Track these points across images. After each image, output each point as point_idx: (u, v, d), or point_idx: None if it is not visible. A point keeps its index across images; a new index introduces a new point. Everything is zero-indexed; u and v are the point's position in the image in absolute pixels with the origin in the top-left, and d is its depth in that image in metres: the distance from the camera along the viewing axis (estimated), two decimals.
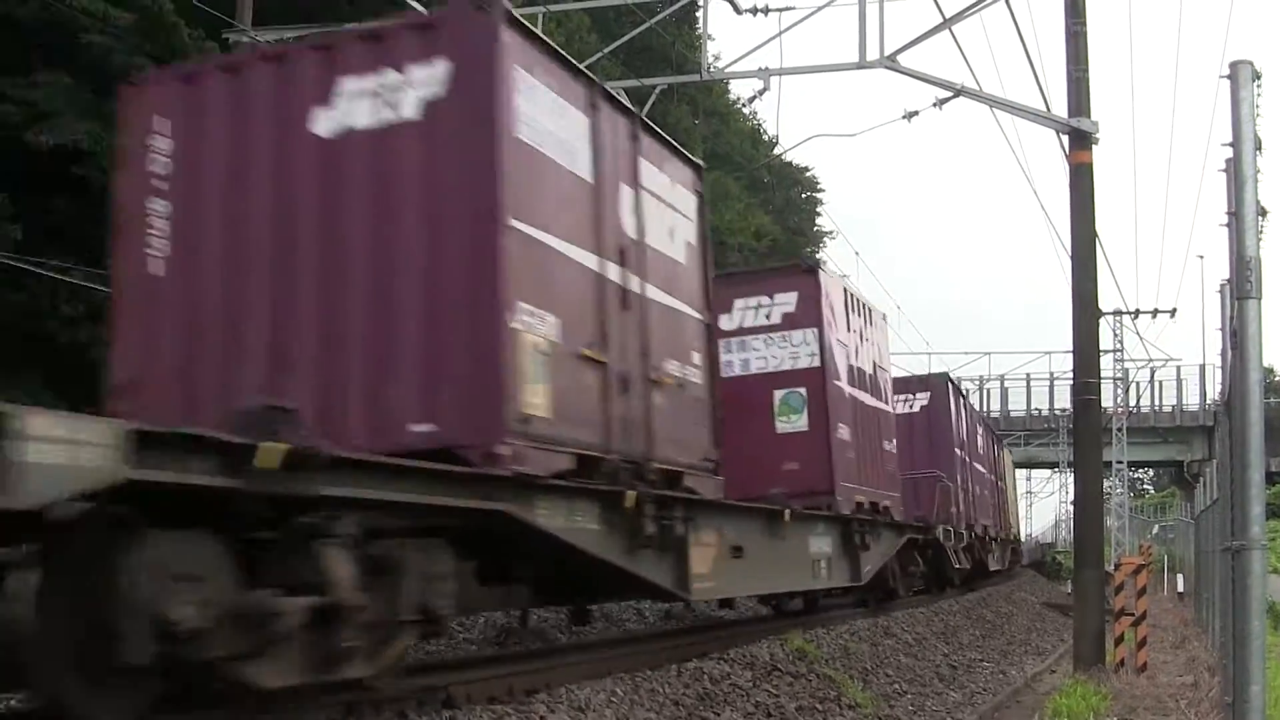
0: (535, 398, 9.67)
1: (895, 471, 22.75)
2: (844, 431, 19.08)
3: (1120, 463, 53.34)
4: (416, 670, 10.88)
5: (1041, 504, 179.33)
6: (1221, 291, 10.71)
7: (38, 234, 20.29)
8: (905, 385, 29.77)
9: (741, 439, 15.89)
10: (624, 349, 11.17)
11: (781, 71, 20.92)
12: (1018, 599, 33.09)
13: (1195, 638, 22.44)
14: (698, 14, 28.07)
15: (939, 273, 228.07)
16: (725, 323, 17.56)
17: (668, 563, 11.75)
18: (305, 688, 7.50)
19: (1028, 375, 67.31)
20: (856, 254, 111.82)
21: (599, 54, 22.89)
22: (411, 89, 9.82)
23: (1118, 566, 19.89)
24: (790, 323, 18.74)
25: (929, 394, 30.71)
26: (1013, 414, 66.80)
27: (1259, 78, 7.40)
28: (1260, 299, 6.98)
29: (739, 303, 18.70)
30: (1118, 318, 46.43)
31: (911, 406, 29.62)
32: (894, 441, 23.10)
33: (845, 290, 20.92)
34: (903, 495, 23.07)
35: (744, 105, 53.23)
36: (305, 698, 7.67)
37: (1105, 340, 39.74)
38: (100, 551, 6.39)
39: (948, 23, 19.37)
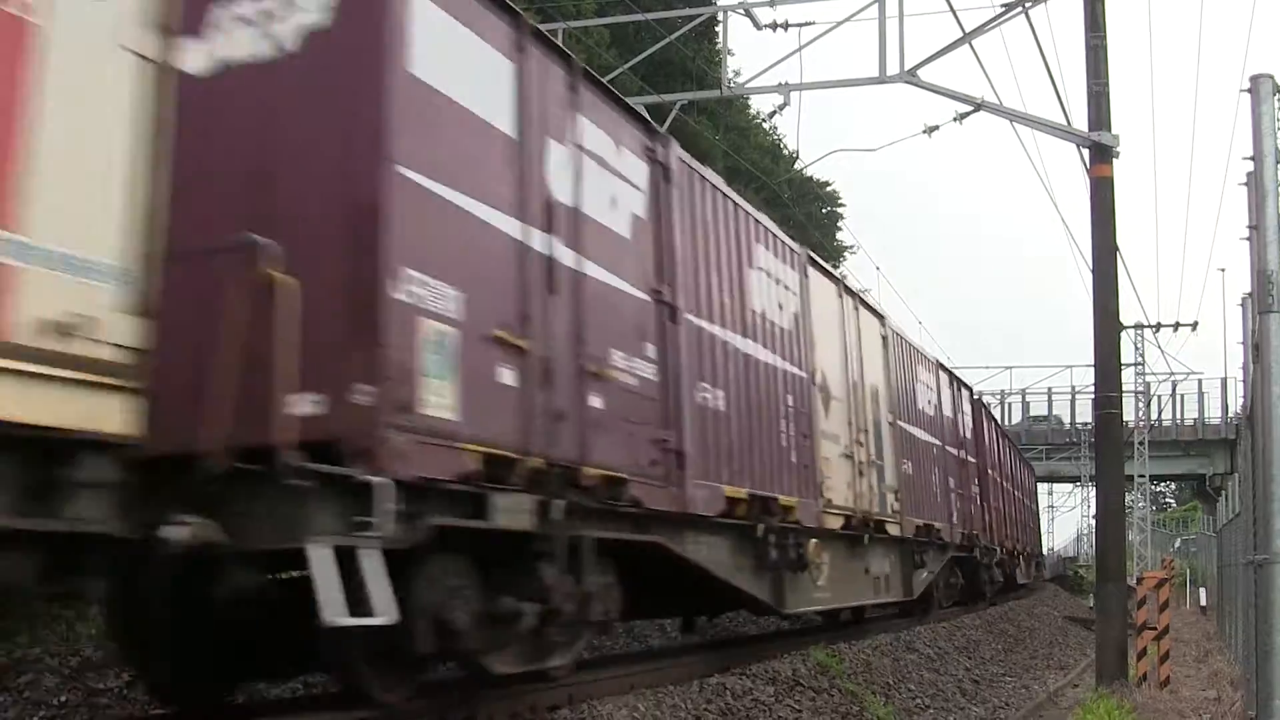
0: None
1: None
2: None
3: (1142, 476, 53.20)
4: (437, 687, 10.90)
5: (1063, 518, 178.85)
6: (1243, 305, 10.70)
7: None
8: None
9: None
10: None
11: (801, 86, 20.97)
12: (1039, 613, 32.99)
13: (1218, 652, 22.37)
14: (718, 29, 28.12)
15: (960, 287, 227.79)
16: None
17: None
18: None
19: (1049, 389, 67.27)
20: (877, 269, 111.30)
21: (619, 70, 22.95)
22: None
23: (1140, 580, 19.82)
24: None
25: None
26: (1034, 428, 66.71)
27: (1279, 91, 7.42)
28: None
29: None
30: (1139, 331, 46.33)
31: None
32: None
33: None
34: None
35: (764, 120, 53.19)
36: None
37: (1127, 354, 39.70)
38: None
39: (968, 37, 19.39)
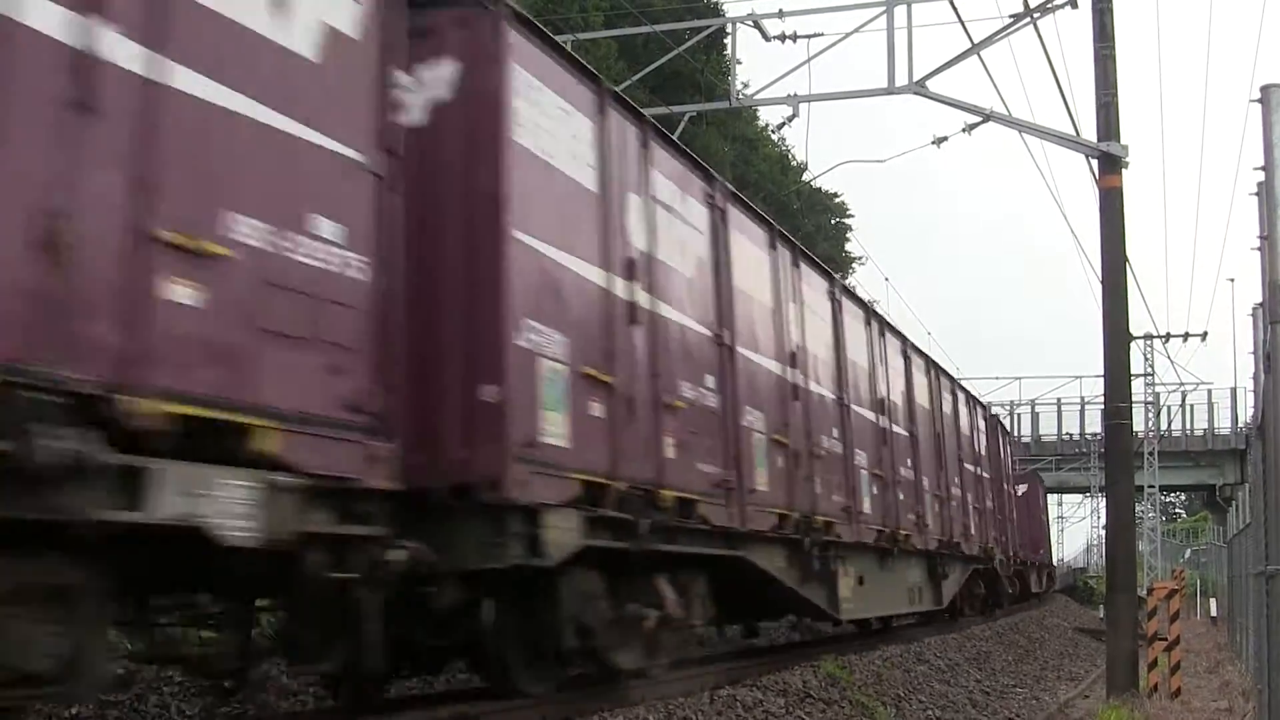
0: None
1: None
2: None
3: (1152, 487, 53.04)
4: (447, 699, 10.90)
5: (1073, 529, 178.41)
6: (1254, 315, 10.69)
7: None
8: None
9: None
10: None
11: (810, 98, 20.96)
12: (1050, 624, 32.96)
13: (1229, 662, 22.31)
14: (726, 41, 28.09)
15: (969, 297, 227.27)
16: None
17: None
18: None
19: (1058, 400, 66.81)
20: (886, 279, 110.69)
21: (628, 81, 22.98)
22: None
23: (1150, 591, 19.77)
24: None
25: None
26: (1044, 439, 66.56)
27: None
28: None
29: None
30: (1148, 341, 46.28)
31: None
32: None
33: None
34: None
35: (773, 131, 53.12)
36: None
37: (1136, 364, 39.64)
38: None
39: (976, 48, 19.39)
